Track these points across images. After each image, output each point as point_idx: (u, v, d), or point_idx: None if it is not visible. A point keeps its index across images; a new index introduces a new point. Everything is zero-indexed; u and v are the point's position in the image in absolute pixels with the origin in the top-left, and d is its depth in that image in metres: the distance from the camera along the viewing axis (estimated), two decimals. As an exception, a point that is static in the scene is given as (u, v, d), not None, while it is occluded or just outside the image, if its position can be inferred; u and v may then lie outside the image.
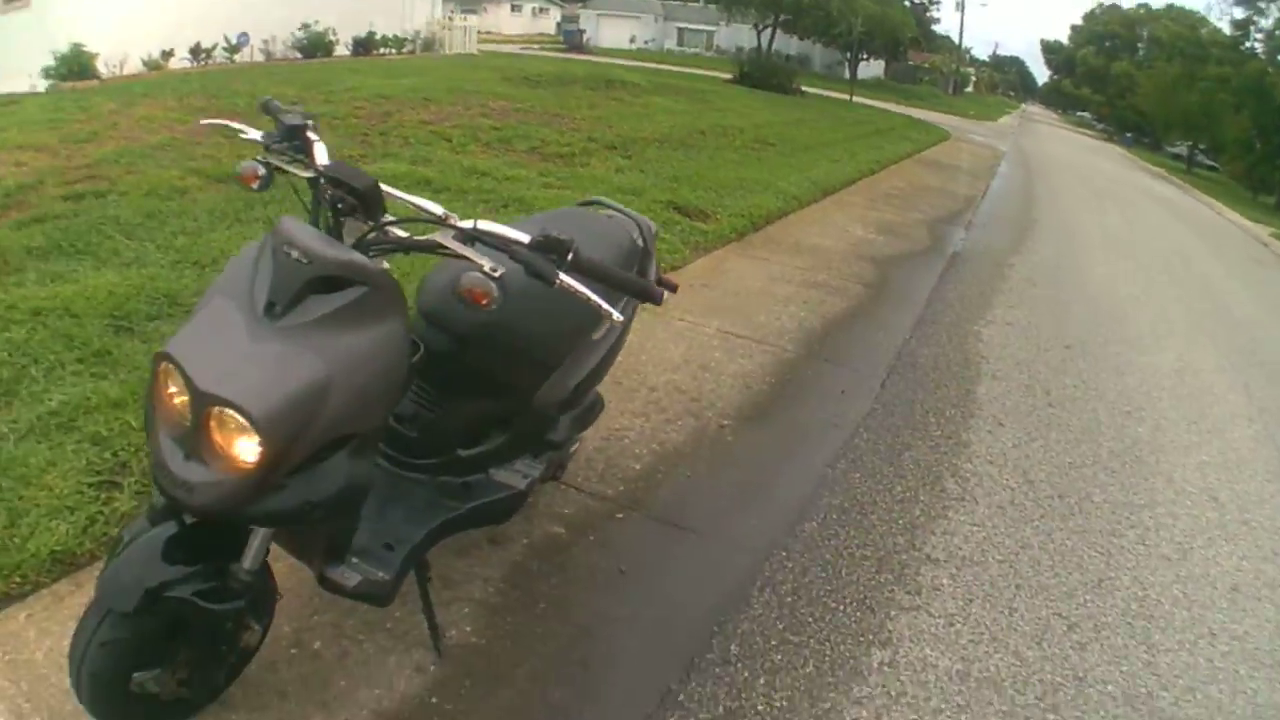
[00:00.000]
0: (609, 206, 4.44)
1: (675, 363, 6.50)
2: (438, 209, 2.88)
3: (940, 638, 4.04)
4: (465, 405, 3.56)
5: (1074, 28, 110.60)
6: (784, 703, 3.49)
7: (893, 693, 3.64)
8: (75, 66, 20.58)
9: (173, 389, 2.60)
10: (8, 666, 3.12)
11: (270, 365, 2.50)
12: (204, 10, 24.62)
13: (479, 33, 31.73)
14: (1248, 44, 56.00)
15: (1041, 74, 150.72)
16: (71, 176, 8.77)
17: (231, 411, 2.44)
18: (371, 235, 2.80)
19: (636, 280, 3.05)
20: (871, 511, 4.99)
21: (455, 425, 3.57)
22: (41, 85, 20.09)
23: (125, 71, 21.79)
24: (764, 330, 7.53)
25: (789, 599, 4.10)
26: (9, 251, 6.64)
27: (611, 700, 3.42)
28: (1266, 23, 54.80)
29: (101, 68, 21.23)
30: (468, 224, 2.80)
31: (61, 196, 8.12)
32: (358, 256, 2.69)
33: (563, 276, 2.75)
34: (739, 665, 3.64)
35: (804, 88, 40.02)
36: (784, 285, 8.99)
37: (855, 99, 42.55)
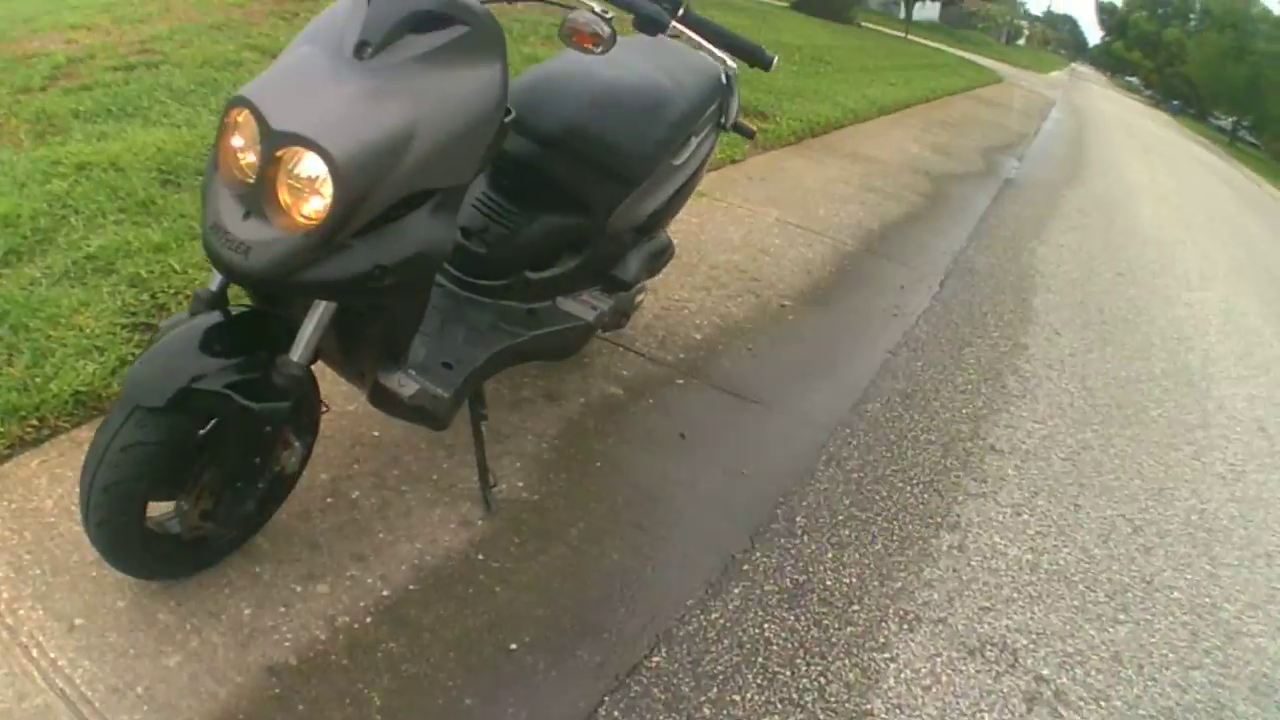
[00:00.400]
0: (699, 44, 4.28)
1: (735, 244, 6.31)
2: None
3: (1008, 526, 3.88)
4: (539, 221, 3.39)
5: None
6: (854, 579, 3.32)
7: (964, 578, 3.48)
8: None
9: (240, 141, 2.38)
10: (12, 515, 2.88)
11: (352, 103, 2.29)
12: None
13: None
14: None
15: (1094, 35, 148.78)
16: (124, 51, 8.52)
17: (305, 151, 2.23)
18: None
19: (746, 42, 2.99)
20: (935, 398, 4.82)
21: (526, 243, 3.39)
22: None
23: None
24: (822, 223, 7.34)
25: (855, 475, 3.93)
26: (55, 115, 6.45)
27: (671, 565, 3.21)
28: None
29: None
30: None
31: (112, 67, 7.87)
32: None
33: (674, 24, 2.71)
34: (805, 538, 3.47)
35: (861, 21, 39.45)
36: (841, 186, 8.77)
37: (910, 37, 42.10)
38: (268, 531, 2.92)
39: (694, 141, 3.76)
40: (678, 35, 2.80)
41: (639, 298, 4.00)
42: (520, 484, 3.41)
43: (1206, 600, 3.81)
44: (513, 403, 3.88)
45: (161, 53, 8.42)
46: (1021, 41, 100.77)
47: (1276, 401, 6.52)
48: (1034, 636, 3.28)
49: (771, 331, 5.14)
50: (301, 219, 2.29)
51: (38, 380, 3.39)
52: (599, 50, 2.64)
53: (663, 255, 4.12)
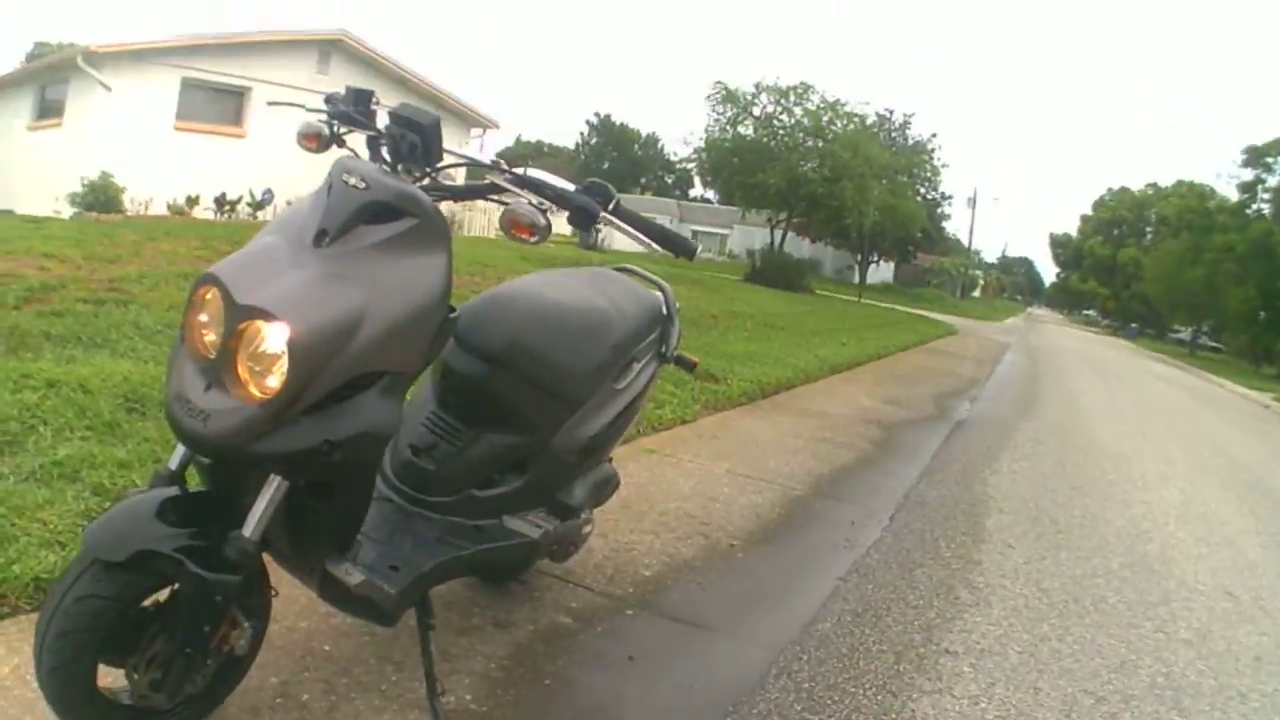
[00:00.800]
0: (637, 274, 4.57)
1: (685, 494, 6.48)
2: (488, 158, 3.02)
3: (966, 714, 3.96)
4: (484, 439, 3.57)
5: (1083, 218, 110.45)
6: None
7: (923, 764, 3.56)
8: (102, 196, 21.15)
9: (205, 318, 2.63)
10: None
11: (310, 285, 2.53)
12: (232, 163, 25.55)
13: (497, 231, 32.28)
14: (1254, 206, 55.71)
15: (1050, 272, 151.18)
16: (94, 286, 8.99)
17: (265, 325, 2.47)
18: (428, 179, 2.89)
19: (675, 235, 3.15)
20: (886, 615, 4.92)
21: (472, 461, 3.55)
22: (66, 212, 20.63)
23: (149, 211, 22.24)
24: (773, 473, 7.51)
25: (806, 685, 4.01)
26: (28, 334, 6.84)
27: None
28: (1274, 180, 54.66)
29: (127, 203, 21.89)
30: (519, 170, 2.94)
31: (83, 299, 8.32)
32: (414, 187, 2.78)
33: (605, 214, 2.88)
34: None
35: (813, 289, 40.46)
36: (792, 439, 9.00)
37: (863, 300, 43.12)
38: (215, 717, 2.99)
39: (635, 367, 4.00)
40: (607, 225, 2.97)
41: (586, 528, 4.10)
42: (469, 697, 3.49)
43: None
44: (462, 629, 3.97)
45: (130, 293, 8.94)
46: (976, 293, 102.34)
47: (1240, 567, 6.76)
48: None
49: (721, 568, 5.26)
50: (259, 392, 2.50)
51: (0, 563, 3.55)
52: (534, 240, 2.81)
53: (608, 485, 4.25)
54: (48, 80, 27.54)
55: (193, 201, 23.63)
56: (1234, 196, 57.88)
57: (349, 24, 30.15)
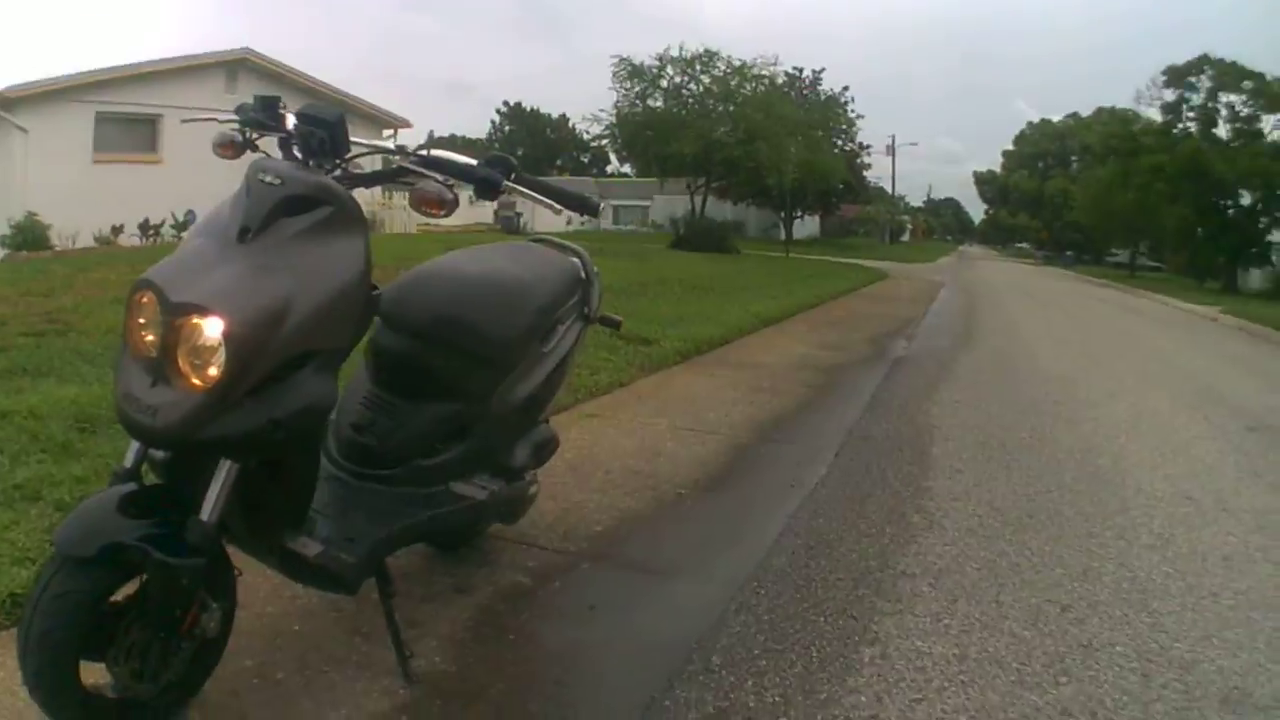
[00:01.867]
0: (553, 243, 4.67)
1: (629, 451, 6.52)
2: (391, 145, 3.09)
3: (929, 631, 4.00)
4: (422, 410, 3.72)
5: (1005, 154, 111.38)
6: (776, 698, 3.41)
7: (889, 679, 3.58)
8: (30, 236, 21.52)
9: (143, 320, 2.74)
10: None
11: (239, 278, 2.66)
12: (152, 188, 25.73)
13: (418, 225, 33.12)
14: (1180, 126, 56.28)
15: (978, 211, 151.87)
16: (32, 321, 9.22)
17: (201, 318, 2.58)
18: (339, 169, 3.03)
19: (575, 193, 3.30)
20: (839, 545, 4.96)
21: (413, 432, 3.68)
22: None
23: (77, 245, 22.37)
24: (714, 424, 7.56)
25: (766, 617, 4.05)
26: None
27: (592, 710, 3.36)
28: (1198, 98, 55.28)
29: (55, 239, 22.09)
30: (423, 151, 3.08)
31: (23, 333, 8.53)
32: (326, 178, 2.94)
33: (508, 183, 3.03)
34: (723, 672, 3.58)
35: (741, 250, 40.47)
36: (730, 391, 9.05)
37: (791, 255, 43.19)
38: (198, 705, 3.08)
39: (560, 329, 4.11)
40: (511, 194, 3.11)
41: (532, 489, 4.21)
42: (438, 659, 3.57)
43: (1154, 646, 3.97)
44: (424, 596, 4.08)
45: (68, 322, 9.19)
46: (905, 237, 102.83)
47: (1197, 472, 6.85)
48: (972, 714, 3.38)
49: (671, 517, 5.33)
50: (200, 381, 2.61)
51: None
52: (443, 213, 2.98)
53: (548, 445, 4.34)
54: None
55: (117, 231, 24.21)
56: (1158, 119, 58.25)
57: (252, 43, 30.62)
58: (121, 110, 26.77)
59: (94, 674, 2.71)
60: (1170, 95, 56.49)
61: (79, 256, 18.04)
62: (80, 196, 23.92)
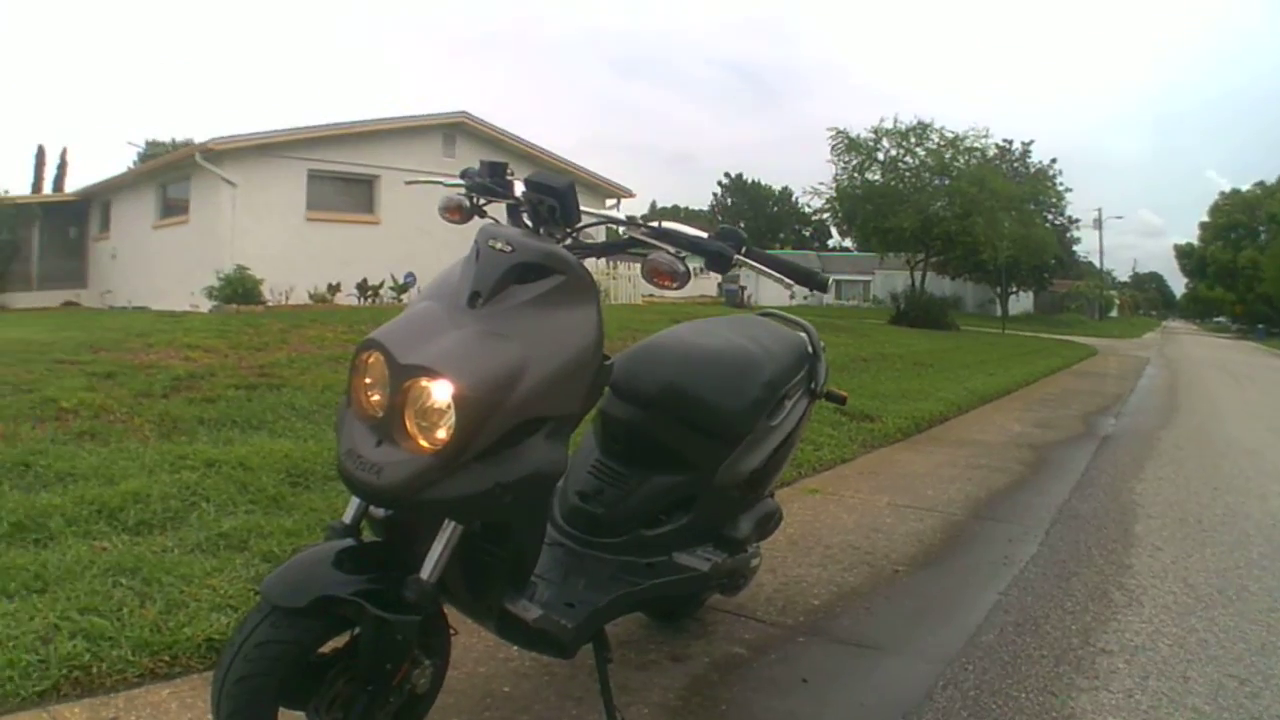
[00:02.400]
0: (781, 317, 4.58)
1: (848, 527, 6.53)
2: (621, 215, 3.10)
3: (1121, 707, 3.94)
4: (649, 481, 3.59)
5: (1202, 225, 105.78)
6: None
7: (1082, 754, 3.57)
8: (240, 289, 20.55)
9: (370, 380, 2.70)
10: None
11: (470, 342, 2.58)
12: (368, 248, 25.10)
13: (643, 296, 32.10)
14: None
15: (1179, 284, 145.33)
16: (243, 373, 8.89)
17: (431, 381, 2.51)
18: (569, 239, 2.92)
19: (804, 268, 3.11)
20: (1045, 623, 4.92)
21: (639, 502, 3.57)
22: (204, 305, 20.03)
23: (290, 301, 21.68)
24: (931, 501, 7.54)
25: (972, 693, 4.04)
26: (180, 419, 6.86)
27: None
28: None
29: (267, 294, 21.21)
30: (654, 224, 2.94)
31: (234, 385, 8.25)
32: (558, 246, 2.82)
33: (739, 257, 2.87)
34: None
35: (958, 325, 39.69)
36: (948, 469, 8.98)
37: (1007, 331, 42.28)
38: None
39: (787, 404, 3.98)
40: (741, 267, 2.96)
41: (754, 561, 4.12)
42: None
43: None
44: (639, 664, 4.03)
45: (281, 377, 8.78)
46: (1114, 312, 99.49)
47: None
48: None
49: (886, 592, 5.30)
50: (428, 443, 2.53)
51: (170, 625, 3.67)
52: (675, 286, 2.82)
53: (772, 518, 4.17)
54: (168, 179, 27.50)
55: (334, 289, 23.23)
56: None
57: (469, 106, 29.33)
58: (335, 169, 26.00)
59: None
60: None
61: (293, 312, 17.32)
62: (292, 253, 23.46)
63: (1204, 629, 4.89)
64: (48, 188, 50.90)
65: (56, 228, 33.61)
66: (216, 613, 3.81)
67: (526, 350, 2.60)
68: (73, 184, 38.12)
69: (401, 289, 24.15)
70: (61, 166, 55.62)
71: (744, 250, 2.89)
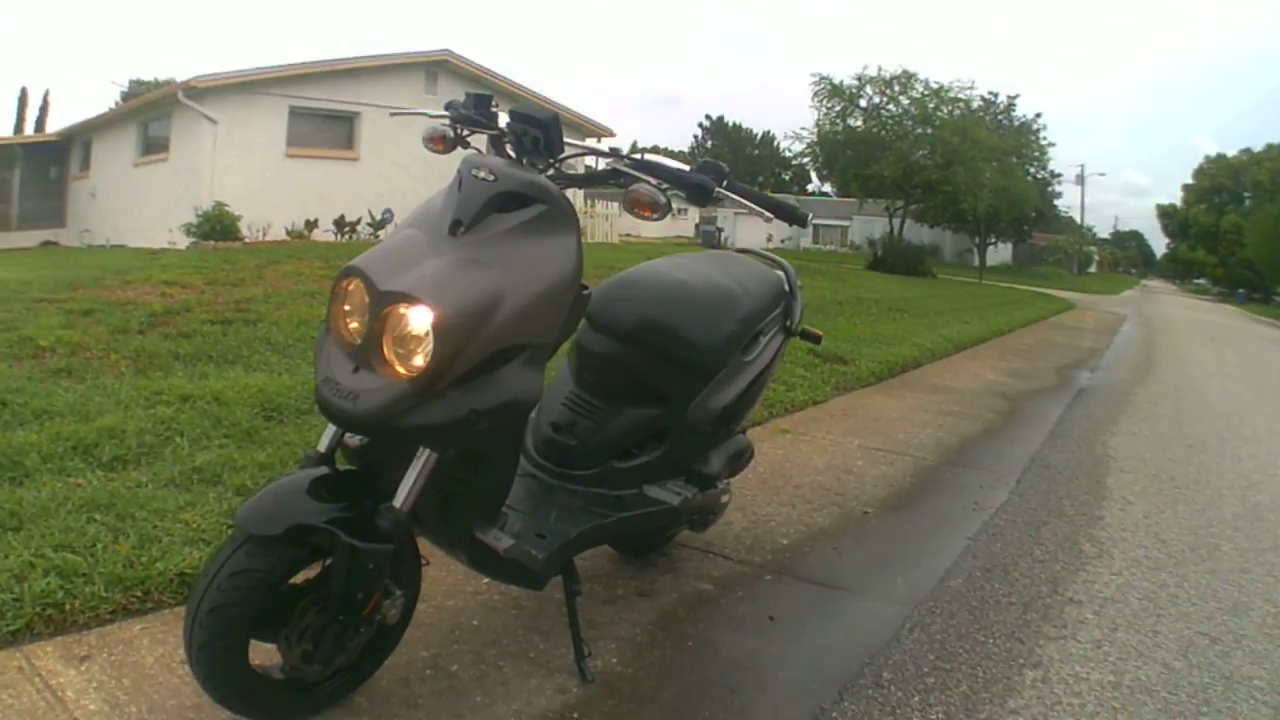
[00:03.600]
0: (759, 254, 4.61)
1: (819, 468, 6.51)
2: (605, 148, 3.08)
3: (1089, 657, 3.93)
4: (622, 413, 3.64)
5: (1185, 188, 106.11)
6: (940, 715, 3.40)
7: (1048, 702, 3.54)
8: (218, 225, 20.71)
9: (349, 307, 2.70)
10: (112, 665, 3.11)
11: (450, 269, 2.58)
12: (347, 185, 25.26)
13: (619, 235, 32.41)
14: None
15: (1160, 244, 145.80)
16: (220, 309, 8.99)
17: (410, 307, 2.52)
18: (552, 169, 2.96)
19: (785, 203, 3.13)
20: (1014, 569, 4.91)
21: (611, 434, 3.62)
22: (182, 242, 20.43)
23: (268, 237, 22.14)
24: (903, 445, 7.53)
25: (938, 636, 4.03)
26: (155, 354, 6.94)
27: (762, 718, 3.32)
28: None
29: (244, 230, 21.72)
30: (636, 155, 2.96)
31: (209, 320, 8.35)
32: (540, 176, 2.84)
33: (720, 189, 2.89)
34: (892, 688, 3.56)
35: (935, 274, 39.90)
36: (920, 414, 8.97)
37: (984, 280, 42.41)
38: (366, 691, 3.05)
39: (762, 340, 4.00)
40: (723, 200, 2.99)
41: (724, 498, 4.11)
42: (615, 660, 3.53)
43: (1290, 682, 3.88)
44: (607, 599, 4.05)
45: (258, 312, 8.90)
46: (1093, 268, 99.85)
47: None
48: (1120, 740, 3.35)
49: (855, 534, 5.28)
50: (405, 370, 2.55)
51: (143, 560, 3.66)
52: (656, 217, 2.84)
53: (743, 455, 4.21)
54: (149, 117, 27.39)
55: (312, 225, 23.58)
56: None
57: (453, 45, 28.84)
58: (317, 106, 25.90)
59: (259, 655, 2.67)
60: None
61: (270, 248, 17.69)
62: (272, 190, 23.63)
63: (1175, 585, 4.89)
64: (29, 129, 50.77)
65: (37, 168, 33.50)
66: (189, 547, 3.83)
67: (505, 278, 2.62)
68: (55, 125, 38.06)
69: (379, 225, 24.39)
70: (44, 108, 56.51)
71: (725, 184, 2.93)
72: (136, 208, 26.38)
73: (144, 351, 7.04)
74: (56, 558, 3.60)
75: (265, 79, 24.91)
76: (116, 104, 40.63)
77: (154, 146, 27.18)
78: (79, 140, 32.61)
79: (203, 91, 23.52)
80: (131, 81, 53.57)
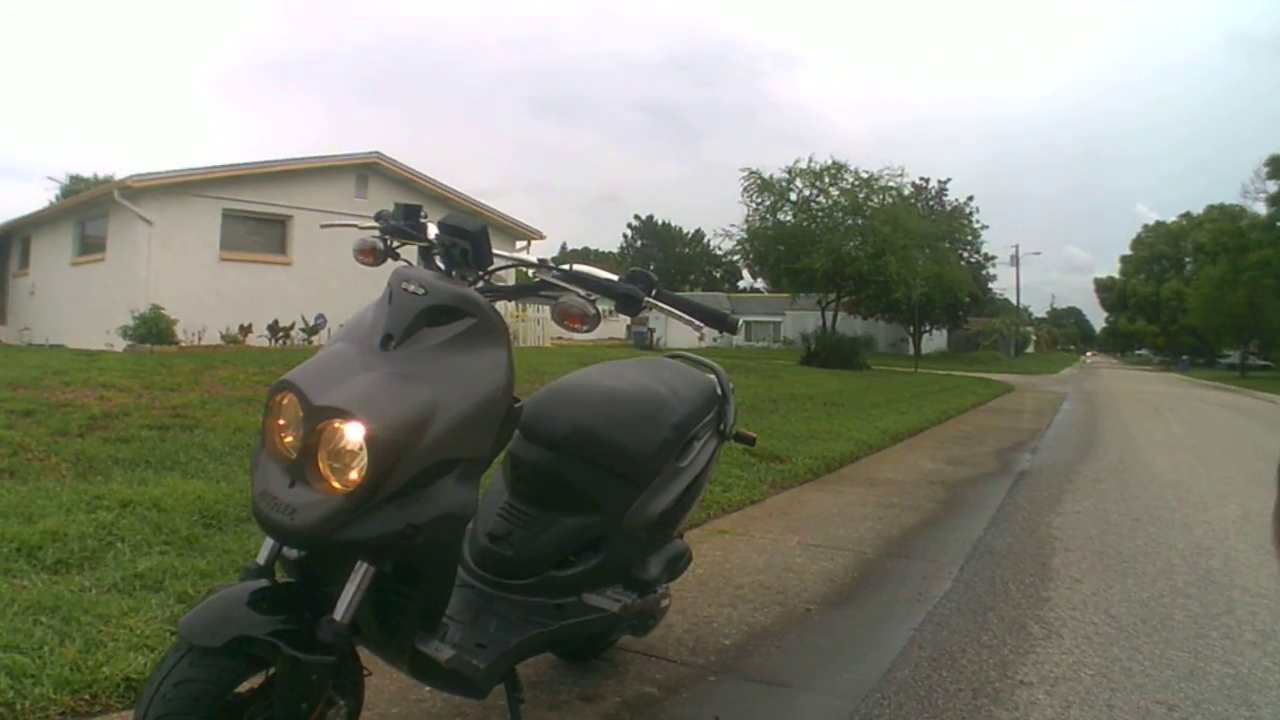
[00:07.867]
0: (690, 359, 4.70)
1: (759, 567, 6.57)
2: (533, 258, 3.14)
3: (1043, 736, 4.00)
4: (558, 522, 3.68)
5: (1123, 259, 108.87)
6: None
7: (1002, 784, 3.61)
8: (154, 329, 20.93)
9: (283, 421, 2.77)
10: None
11: (382, 384, 2.66)
12: (280, 290, 25.71)
13: (551, 338, 32.94)
14: (1286, 216, 54.21)
15: (1099, 318, 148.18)
16: (157, 414, 9.18)
17: (343, 423, 2.59)
18: (481, 281, 3.05)
19: (713, 310, 3.22)
20: (961, 657, 4.97)
21: (548, 544, 3.66)
22: (119, 345, 20.58)
23: (203, 342, 22.57)
24: (843, 540, 7.59)
25: (888, 726, 4.08)
26: (95, 458, 7.09)
27: None
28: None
29: (180, 334, 21.76)
30: (565, 266, 3.05)
31: (147, 425, 8.53)
32: (469, 289, 2.94)
33: (649, 299, 3.00)
34: None
35: (870, 365, 40.26)
36: (859, 508, 9.06)
37: (920, 370, 42.88)
38: None
39: (696, 445, 4.08)
40: (651, 310, 3.09)
41: (664, 602, 4.17)
42: None
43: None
44: (551, 704, 4.05)
45: (194, 418, 9.10)
46: (1030, 349, 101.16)
47: (1307, 569, 6.68)
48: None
49: (799, 630, 5.33)
50: (340, 484, 2.62)
51: (90, 664, 3.72)
52: (586, 329, 2.93)
53: (681, 559, 4.27)
54: (86, 216, 27.73)
55: (246, 330, 23.97)
56: (1264, 213, 56.57)
57: (382, 148, 29.25)
58: (250, 209, 26.40)
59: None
60: (1274, 187, 54.96)
61: (206, 353, 18.17)
62: (206, 293, 24.13)
63: (1128, 658, 4.97)
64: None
65: (-24, 262, 33.72)
66: (134, 652, 3.88)
67: (438, 392, 2.69)
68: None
69: (312, 330, 24.70)
70: (-21, 202, 55.81)
71: (654, 293, 3.04)
72: (75, 307, 26.65)
73: (84, 455, 7.22)
74: (5, 658, 3.68)
75: (199, 180, 25.26)
76: (55, 200, 41.69)
77: (91, 246, 27.57)
78: (18, 236, 32.99)
79: (138, 191, 23.81)
80: (70, 177, 54.23)
